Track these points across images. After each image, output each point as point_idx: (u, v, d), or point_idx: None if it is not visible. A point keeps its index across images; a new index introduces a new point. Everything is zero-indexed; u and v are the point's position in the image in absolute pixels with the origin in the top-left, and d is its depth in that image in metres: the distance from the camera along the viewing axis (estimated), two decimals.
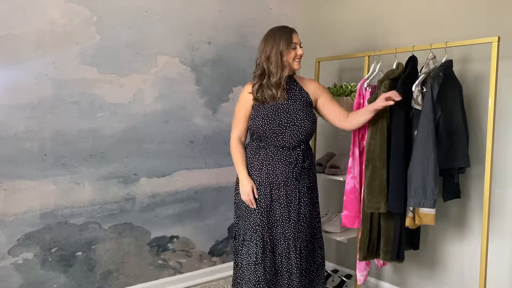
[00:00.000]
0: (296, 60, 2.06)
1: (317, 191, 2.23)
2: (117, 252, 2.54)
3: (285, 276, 2.05)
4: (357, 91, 2.31)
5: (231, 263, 3.01)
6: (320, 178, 2.79)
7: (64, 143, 2.32)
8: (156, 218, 2.68)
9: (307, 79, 2.21)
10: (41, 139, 2.25)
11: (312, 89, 2.15)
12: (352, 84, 2.52)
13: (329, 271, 2.88)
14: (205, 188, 2.87)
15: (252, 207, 2.05)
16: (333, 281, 2.80)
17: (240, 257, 2.13)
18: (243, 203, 2.10)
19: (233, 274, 2.21)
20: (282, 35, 2.03)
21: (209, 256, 2.93)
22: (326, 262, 3.10)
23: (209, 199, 2.90)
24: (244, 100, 2.12)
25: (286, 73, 2.05)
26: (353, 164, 2.30)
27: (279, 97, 2.03)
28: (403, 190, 2.05)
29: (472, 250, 2.31)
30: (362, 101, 2.30)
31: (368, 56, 2.49)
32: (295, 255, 2.03)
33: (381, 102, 1.99)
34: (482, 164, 2.07)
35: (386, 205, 2.07)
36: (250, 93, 2.10)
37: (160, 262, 2.71)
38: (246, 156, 2.13)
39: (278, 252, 2.05)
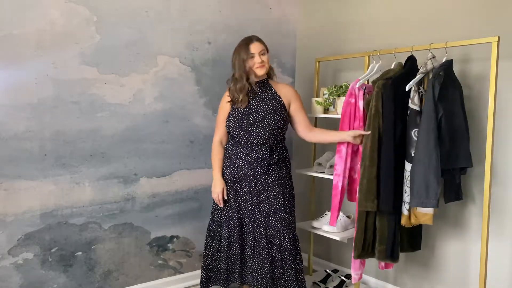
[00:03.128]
0: (257, 67, 2.22)
1: (291, 187, 2.33)
2: (117, 252, 2.54)
3: (257, 259, 2.23)
4: (348, 90, 2.31)
5: None
6: (320, 178, 2.80)
7: (64, 143, 2.32)
8: (156, 218, 2.68)
9: (282, 84, 2.39)
10: (41, 139, 2.25)
11: (285, 92, 2.32)
12: None
13: (329, 271, 2.88)
14: (205, 188, 2.87)
15: (220, 205, 2.30)
16: (333, 281, 2.80)
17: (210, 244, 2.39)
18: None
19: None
20: (242, 45, 2.24)
21: None
22: (326, 262, 3.12)
23: (209, 199, 2.87)
24: (224, 104, 2.34)
25: (251, 79, 2.25)
26: (338, 162, 2.31)
27: (241, 100, 2.23)
28: (392, 189, 2.06)
29: (472, 250, 2.31)
30: (354, 100, 2.29)
31: (368, 56, 2.49)
32: (266, 241, 2.22)
33: (349, 138, 2.23)
34: (482, 164, 2.07)
35: (374, 204, 2.09)
36: (228, 95, 2.32)
37: (160, 262, 2.72)
38: (225, 152, 2.34)
39: (250, 238, 2.25)
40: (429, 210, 2.03)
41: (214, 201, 2.36)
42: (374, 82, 2.18)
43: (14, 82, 2.16)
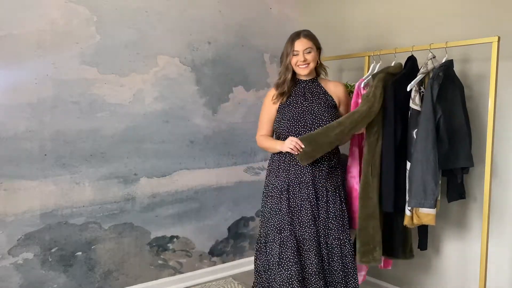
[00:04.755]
0: (299, 66, 2.12)
1: (345, 190, 2.23)
2: (117, 252, 2.54)
3: (320, 275, 2.04)
4: (355, 91, 2.32)
5: (231, 263, 3.01)
6: None
7: (64, 143, 2.32)
8: (156, 218, 2.68)
9: (333, 83, 2.26)
10: (41, 139, 2.25)
11: (336, 92, 2.21)
12: (352, 84, 2.52)
13: None
14: (205, 188, 2.87)
15: (298, 147, 1.98)
16: None
17: (260, 261, 2.18)
18: (267, 206, 2.17)
19: (254, 279, 2.25)
20: (289, 40, 2.15)
21: (209, 256, 2.93)
22: None
23: (209, 199, 2.90)
24: (268, 104, 2.21)
25: (289, 76, 2.14)
26: (352, 163, 2.30)
27: (282, 94, 2.14)
28: (393, 189, 2.06)
29: (472, 250, 2.31)
30: (360, 100, 2.30)
31: (368, 56, 2.49)
32: (327, 251, 2.08)
33: None
34: (482, 164, 2.07)
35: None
36: (273, 94, 2.19)
37: (160, 262, 2.72)
38: (273, 159, 2.21)
39: (313, 252, 2.05)
40: (431, 211, 2.03)
41: (263, 211, 2.21)
42: (374, 75, 2.18)
43: (14, 82, 2.16)
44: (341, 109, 2.23)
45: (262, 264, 2.18)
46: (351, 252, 2.11)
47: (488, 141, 1.96)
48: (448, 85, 2.02)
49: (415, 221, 2.08)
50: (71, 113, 2.33)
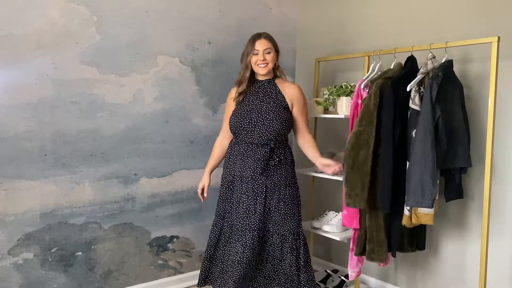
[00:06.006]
0: (258, 65, 2.19)
1: (292, 188, 2.20)
2: (117, 252, 2.54)
3: (252, 265, 2.14)
4: (355, 91, 2.32)
5: None
6: (320, 178, 2.80)
7: (64, 143, 2.32)
8: (156, 218, 2.68)
9: (289, 84, 2.29)
10: (41, 139, 2.25)
11: (289, 93, 2.23)
12: (352, 84, 2.53)
13: (329, 271, 2.88)
14: None
15: (202, 200, 2.40)
16: (333, 281, 2.80)
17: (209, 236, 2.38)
18: (220, 193, 2.33)
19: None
20: (250, 40, 2.24)
21: None
22: (326, 262, 3.12)
23: (209, 199, 2.88)
24: (229, 101, 2.35)
25: (248, 74, 2.23)
26: None
27: (240, 93, 2.24)
28: (390, 190, 2.07)
29: (472, 250, 2.31)
30: (360, 101, 2.30)
31: (368, 56, 2.49)
32: (259, 245, 2.14)
33: (319, 166, 2.21)
34: (482, 163, 2.07)
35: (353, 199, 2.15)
36: (234, 91, 2.31)
37: (160, 262, 2.72)
38: (227, 151, 2.31)
39: (241, 242, 2.14)
40: (430, 210, 2.03)
41: (219, 194, 2.35)
42: (372, 81, 2.19)
43: (14, 82, 2.16)
44: (295, 110, 2.24)
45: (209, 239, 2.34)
46: (282, 252, 2.16)
47: (488, 140, 1.97)
48: (447, 85, 2.02)
49: (413, 220, 2.09)
50: (71, 113, 2.33)
